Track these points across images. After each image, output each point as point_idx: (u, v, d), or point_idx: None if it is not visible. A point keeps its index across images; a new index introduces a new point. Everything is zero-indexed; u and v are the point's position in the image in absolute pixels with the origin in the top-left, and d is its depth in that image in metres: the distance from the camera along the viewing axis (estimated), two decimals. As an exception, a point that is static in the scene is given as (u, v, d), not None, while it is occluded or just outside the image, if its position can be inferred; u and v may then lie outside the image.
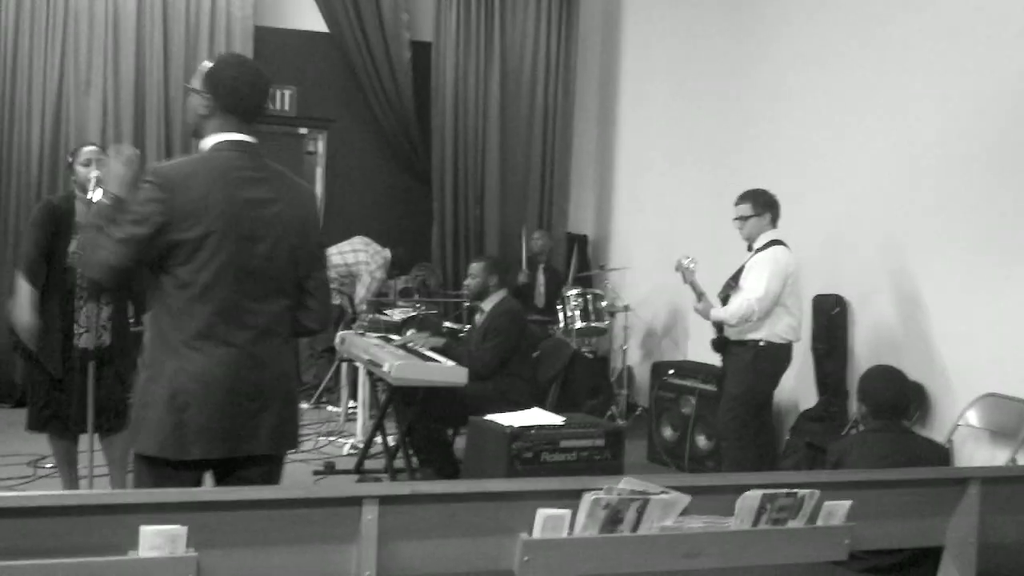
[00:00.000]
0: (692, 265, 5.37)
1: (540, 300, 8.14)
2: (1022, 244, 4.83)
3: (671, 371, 6.57)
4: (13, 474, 5.38)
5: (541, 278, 8.24)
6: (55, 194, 5.57)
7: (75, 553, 1.93)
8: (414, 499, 2.17)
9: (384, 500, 2.12)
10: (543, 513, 2.23)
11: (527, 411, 4.89)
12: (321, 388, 7.64)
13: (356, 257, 7.44)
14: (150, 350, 2.70)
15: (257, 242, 2.69)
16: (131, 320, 4.48)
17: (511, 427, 4.49)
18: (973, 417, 4.88)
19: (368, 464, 5.85)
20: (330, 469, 5.83)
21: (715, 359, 5.69)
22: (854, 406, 5.60)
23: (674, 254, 5.54)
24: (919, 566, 3.22)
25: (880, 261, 5.70)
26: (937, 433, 5.01)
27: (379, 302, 7.38)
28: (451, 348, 5.60)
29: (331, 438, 6.61)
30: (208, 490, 2.52)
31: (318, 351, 7.74)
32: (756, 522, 2.40)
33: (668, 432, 6.48)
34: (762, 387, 5.26)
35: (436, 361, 5.24)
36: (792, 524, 2.44)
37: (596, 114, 9.18)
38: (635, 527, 2.29)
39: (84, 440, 4.40)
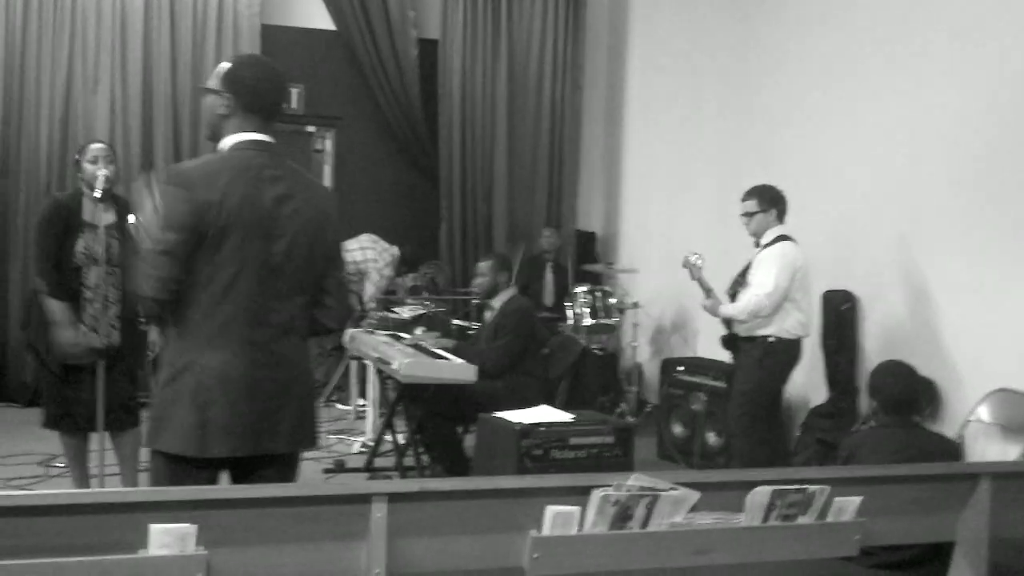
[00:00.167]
0: (699, 262, 5.37)
1: (549, 298, 8.13)
2: (1033, 238, 4.81)
3: (680, 368, 6.56)
4: (24, 473, 5.39)
5: (549, 276, 8.23)
6: (63, 192, 5.56)
7: (85, 551, 1.93)
8: (424, 496, 2.17)
9: (394, 497, 2.12)
10: (552, 510, 2.23)
11: (536, 408, 4.88)
12: (331, 386, 7.64)
13: (364, 255, 7.44)
14: (171, 348, 2.70)
15: (276, 240, 2.68)
16: (140, 320, 4.49)
17: (521, 424, 4.49)
18: (984, 412, 4.85)
19: (378, 462, 5.85)
20: (340, 467, 5.84)
21: (725, 355, 5.68)
22: (864, 402, 5.59)
23: (682, 251, 5.53)
24: (930, 562, 3.21)
25: (890, 257, 5.68)
26: (948, 428, 4.98)
27: (388, 300, 7.38)
28: (461, 349, 5.58)
29: (341, 436, 6.61)
30: (218, 488, 2.51)
31: (327, 349, 7.74)
32: (766, 518, 2.40)
33: (678, 429, 6.47)
34: (772, 383, 5.25)
35: (445, 358, 5.24)
36: (802, 520, 2.43)
37: (603, 111, 9.15)
38: (645, 524, 2.29)
39: (95, 438, 4.41)
